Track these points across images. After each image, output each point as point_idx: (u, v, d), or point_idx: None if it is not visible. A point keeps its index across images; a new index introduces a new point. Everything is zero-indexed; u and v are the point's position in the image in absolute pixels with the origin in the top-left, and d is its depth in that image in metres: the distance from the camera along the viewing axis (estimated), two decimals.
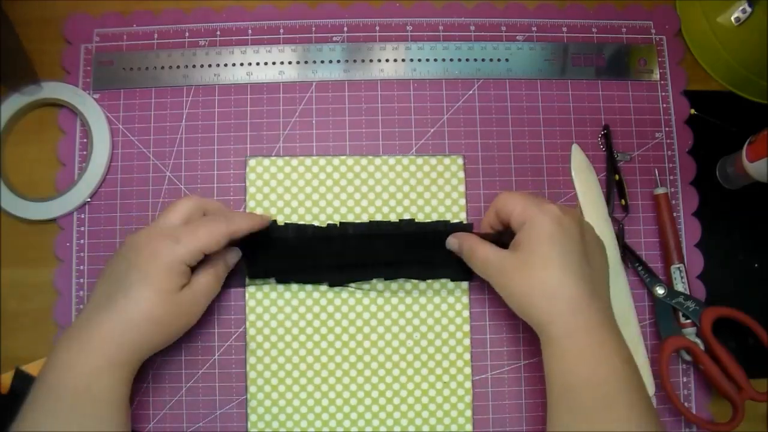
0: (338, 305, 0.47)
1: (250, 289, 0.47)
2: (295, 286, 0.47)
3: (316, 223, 0.48)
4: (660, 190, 0.49)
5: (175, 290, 0.39)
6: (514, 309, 0.41)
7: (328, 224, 0.47)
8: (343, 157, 0.49)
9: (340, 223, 0.47)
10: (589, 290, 0.38)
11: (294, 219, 0.48)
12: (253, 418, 0.46)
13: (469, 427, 0.46)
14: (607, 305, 0.40)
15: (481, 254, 0.42)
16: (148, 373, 0.46)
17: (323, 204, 0.48)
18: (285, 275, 0.47)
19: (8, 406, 0.38)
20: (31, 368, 0.46)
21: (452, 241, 0.45)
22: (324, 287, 0.47)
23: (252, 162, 0.48)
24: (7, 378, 0.45)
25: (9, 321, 0.47)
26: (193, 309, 0.42)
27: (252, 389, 0.46)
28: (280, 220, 0.48)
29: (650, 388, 0.47)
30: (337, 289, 0.47)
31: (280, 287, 0.47)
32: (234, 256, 0.45)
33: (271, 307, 0.47)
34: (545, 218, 0.39)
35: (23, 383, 0.45)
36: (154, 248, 0.39)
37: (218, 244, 0.41)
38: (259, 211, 0.48)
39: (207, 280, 0.42)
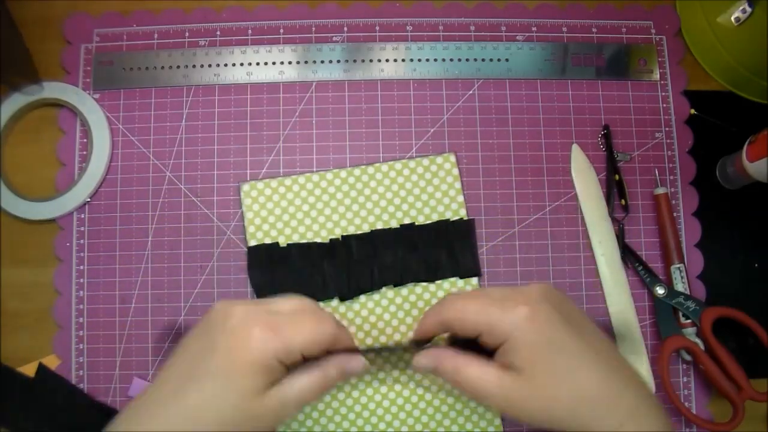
0: (351, 318, 0.47)
1: None
2: None
3: (318, 240, 0.48)
4: (660, 190, 0.49)
5: (258, 392, 0.32)
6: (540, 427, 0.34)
7: (330, 240, 0.47)
8: (336, 170, 0.49)
9: (342, 236, 0.47)
10: (613, 368, 0.34)
11: (295, 239, 0.48)
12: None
13: (497, 421, 0.46)
14: (631, 371, 0.35)
15: (474, 379, 0.34)
16: (148, 373, 0.46)
17: (322, 220, 0.48)
18: None
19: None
20: (28, 369, 0.46)
21: (422, 363, 0.36)
22: (335, 302, 0.47)
23: (246, 187, 0.48)
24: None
25: (9, 321, 0.47)
26: (275, 418, 0.33)
27: None
28: (282, 242, 0.47)
29: (650, 387, 0.47)
30: (347, 302, 0.47)
31: None
32: (358, 366, 0.36)
33: None
34: (526, 330, 0.32)
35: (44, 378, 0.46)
36: (245, 335, 0.32)
37: (320, 346, 0.34)
38: (259, 234, 0.47)
39: (304, 385, 0.33)
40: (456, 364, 0.34)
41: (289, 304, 0.35)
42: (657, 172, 0.50)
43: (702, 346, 0.46)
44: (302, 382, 0.33)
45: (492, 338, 0.34)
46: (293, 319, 0.34)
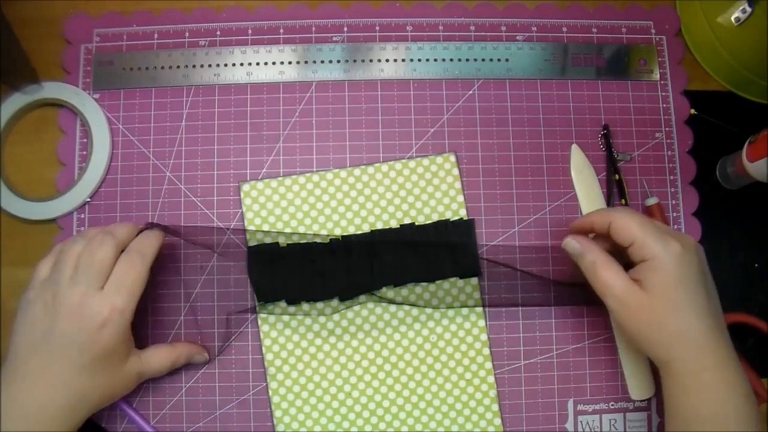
0: (351, 318, 0.47)
1: (262, 315, 0.47)
2: (306, 305, 0.47)
3: (318, 240, 0.48)
4: (651, 201, 0.48)
5: (126, 356, 0.41)
6: (628, 340, 0.40)
7: (330, 239, 0.47)
8: (336, 170, 0.49)
9: (342, 236, 0.47)
10: (715, 327, 0.38)
11: (296, 238, 0.48)
12: (280, 428, 0.46)
13: (497, 421, 0.46)
14: (728, 339, 0.39)
15: (604, 278, 0.39)
16: None
17: (323, 220, 0.48)
18: (294, 296, 0.47)
19: None
20: None
21: (573, 245, 0.41)
22: (335, 302, 0.47)
23: (246, 187, 0.48)
24: None
25: (9, 321, 0.47)
26: (133, 382, 0.42)
27: (277, 413, 0.46)
28: (282, 242, 0.47)
29: (650, 389, 0.47)
30: (347, 302, 0.47)
31: (292, 308, 0.47)
32: (201, 359, 0.46)
33: (285, 329, 0.47)
34: (670, 260, 0.38)
35: None
36: (101, 320, 0.38)
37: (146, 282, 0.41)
38: (259, 234, 0.47)
39: (160, 366, 0.43)
40: (596, 260, 0.40)
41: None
42: (646, 183, 0.49)
43: None
44: (157, 364, 0.43)
45: (640, 252, 0.38)
46: (116, 296, 0.39)
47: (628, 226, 0.39)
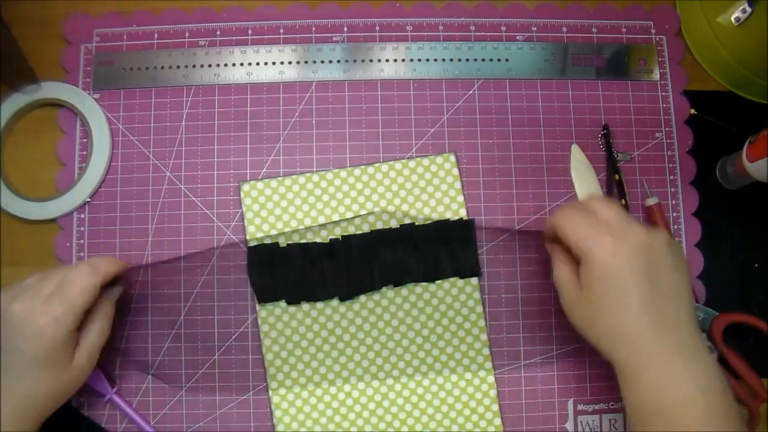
0: (351, 318, 0.47)
1: (262, 314, 0.47)
2: (306, 305, 0.47)
3: (318, 240, 0.48)
4: (651, 201, 0.48)
5: (69, 361, 0.39)
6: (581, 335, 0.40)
7: (330, 240, 0.47)
8: (336, 170, 0.49)
9: (342, 236, 0.47)
10: (655, 323, 0.36)
11: (296, 239, 0.48)
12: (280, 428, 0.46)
13: (497, 421, 0.46)
14: (679, 332, 0.37)
15: (555, 277, 0.41)
16: (147, 372, 0.46)
17: (323, 220, 0.48)
18: (294, 296, 0.47)
19: None
20: None
21: (546, 247, 0.43)
22: (335, 302, 0.47)
23: (246, 187, 0.48)
24: None
25: None
26: (91, 364, 0.41)
27: (277, 413, 0.46)
28: (282, 242, 0.47)
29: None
30: (347, 302, 0.47)
31: (292, 308, 0.47)
32: (117, 292, 0.43)
33: (285, 330, 0.47)
34: (598, 255, 0.37)
35: None
36: (36, 327, 0.37)
37: (95, 296, 0.40)
38: (259, 234, 0.48)
39: (99, 327, 0.41)
40: (554, 261, 0.41)
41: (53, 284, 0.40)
42: (646, 183, 0.49)
43: (714, 351, 0.46)
44: (95, 332, 0.41)
45: (575, 250, 0.38)
46: (62, 294, 0.38)
47: (561, 228, 0.39)
